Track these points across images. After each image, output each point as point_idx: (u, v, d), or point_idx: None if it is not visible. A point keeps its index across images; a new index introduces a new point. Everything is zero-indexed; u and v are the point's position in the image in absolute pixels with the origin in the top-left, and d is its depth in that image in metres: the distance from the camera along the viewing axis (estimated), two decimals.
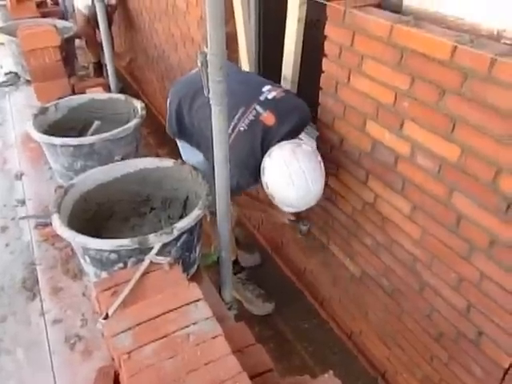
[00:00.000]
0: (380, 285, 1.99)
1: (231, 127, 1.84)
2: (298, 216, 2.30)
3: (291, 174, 1.73)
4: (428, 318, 1.78)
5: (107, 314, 1.20)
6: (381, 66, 1.62)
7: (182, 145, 2.28)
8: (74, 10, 4.14)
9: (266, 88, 1.93)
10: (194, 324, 1.16)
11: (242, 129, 1.85)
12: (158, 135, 3.93)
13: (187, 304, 1.21)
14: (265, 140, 1.83)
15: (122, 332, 1.13)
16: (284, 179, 1.75)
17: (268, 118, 1.84)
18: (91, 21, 3.91)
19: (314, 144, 2.08)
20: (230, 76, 1.96)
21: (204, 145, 2.03)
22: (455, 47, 1.35)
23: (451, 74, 1.38)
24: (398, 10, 1.66)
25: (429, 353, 1.84)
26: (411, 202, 1.69)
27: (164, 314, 1.18)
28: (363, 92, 1.73)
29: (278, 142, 1.81)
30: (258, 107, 1.86)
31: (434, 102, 1.47)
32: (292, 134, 1.86)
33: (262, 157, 1.84)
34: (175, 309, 1.20)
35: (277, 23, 2.26)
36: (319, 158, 1.82)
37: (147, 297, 1.27)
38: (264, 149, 1.84)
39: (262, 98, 1.89)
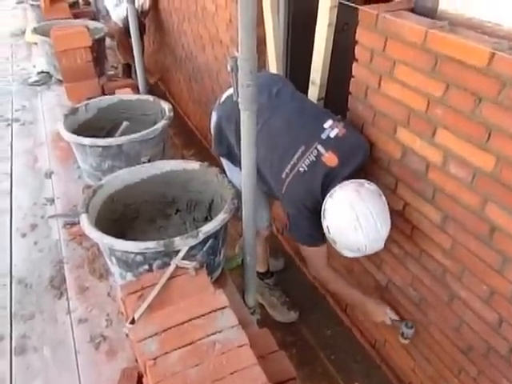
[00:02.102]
0: (406, 294, 1.95)
1: (289, 167, 1.75)
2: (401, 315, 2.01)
3: (358, 217, 1.58)
4: (457, 331, 1.74)
5: (133, 319, 1.21)
6: (414, 71, 1.58)
7: (227, 163, 2.17)
8: (107, 13, 4.20)
9: (327, 124, 1.78)
10: (219, 332, 1.15)
11: (301, 169, 1.73)
12: (184, 136, 3.96)
13: (213, 311, 1.21)
14: (325, 181, 1.70)
15: (149, 337, 1.14)
16: (350, 222, 1.60)
17: (330, 158, 1.70)
18: (125, 30, 3.94)
19: None
20: (285, 100, 1.93)
21: None
22: (493, 54, 1.30)
23: (488, 82, 1.34)
24: (432, 14, 1.62)
25: (456, 366, 1.79)
26: (442, 211, 1.64)
27: (190, 320, 1.18)
28: (394, 98, 1.70)
29: (339, 183, 1.68)
30: (319, 147, 1.72)
31: (469, 109, 1.42)
32: (353, 175, 1.73)
33: (322, 198, 1.71)
34: (201, 315, 1.19)
35: (305, 26, 2.24)
36: (383, 197, 1.69)
37: (173, 302, 1.28)
38: (324, 190, 1.71)
39: (323, 136, 1.75)
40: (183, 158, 3.64)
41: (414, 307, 1.93)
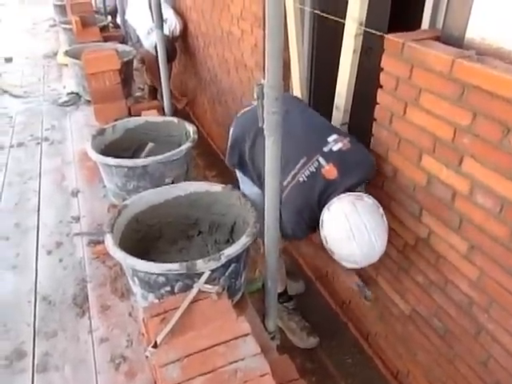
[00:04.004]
0: (431, 325, 1.90)
1: (291, 176, 1.79)
2: (364, 279, 2.16)
3: (352, 229, 1.62)
4: (483, 365, 1.68)
5: (156, 343, 1.21)
6: (440, 100, 1.57)
7: (240, 175, 2.24)
8: (137, 41, 4.30)
9: (331, 138, 1.83)
10: (241, 360, 1.14)
11: (300, 179, 1.77)
12: (207, 157, 4.00)
13: (235, 338, 1.20)
14: (324, 193, 1.74)
15: (171, 363, 1.13)
16: (344, 234, 1.64)
17: (330, 171, 1.74)
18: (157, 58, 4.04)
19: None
20: (295, 116, 1.98)
21: (260, 180, 2.01)
22: None
23: None
24: (459, 43, 1.62)
25: None
26: (469, 241, 1.61)
27: (212, 346, 1.18)
28: (420, 126, 1.69)
29: (338, 195, 1.72)
30: (320, 159, 1.77)
31: (498, 139, 1.40)
32: (353, 188, 1.75)
33: (320, 209, 1.75)
34: (223, 342, 1.19)
35: (330, 51, 2.26)
36: (381, 210, 1.71)
37: (195, 326, 1.27)
38: (322, 202, 1.75)
39: (326, 149, 1.79)
40: (205, 178, 3.67)
41: (438, 339, 1.88)
